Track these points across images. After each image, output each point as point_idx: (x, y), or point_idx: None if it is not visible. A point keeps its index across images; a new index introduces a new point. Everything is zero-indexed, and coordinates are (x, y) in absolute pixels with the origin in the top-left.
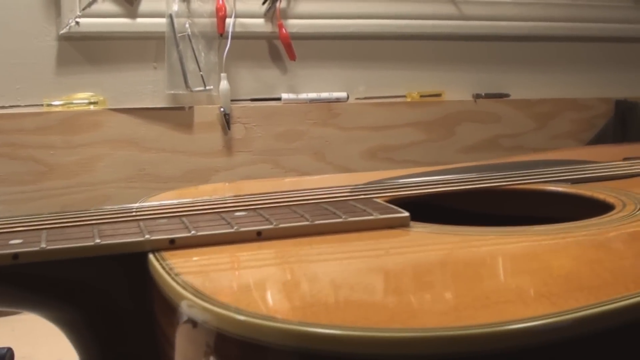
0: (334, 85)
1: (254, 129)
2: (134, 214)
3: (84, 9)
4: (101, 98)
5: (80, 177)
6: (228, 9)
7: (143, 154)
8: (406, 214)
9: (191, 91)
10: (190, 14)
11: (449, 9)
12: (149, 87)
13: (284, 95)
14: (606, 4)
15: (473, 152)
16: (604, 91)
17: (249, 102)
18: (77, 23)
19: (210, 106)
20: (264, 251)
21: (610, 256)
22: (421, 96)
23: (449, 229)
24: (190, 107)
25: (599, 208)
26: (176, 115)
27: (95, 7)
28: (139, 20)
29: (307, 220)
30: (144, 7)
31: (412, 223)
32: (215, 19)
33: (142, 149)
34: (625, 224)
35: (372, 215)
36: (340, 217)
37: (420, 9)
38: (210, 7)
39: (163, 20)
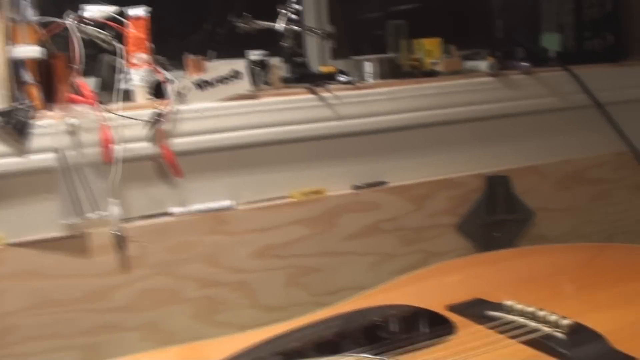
0: (220, 194)
1: (148, 245)
2: None
3: None
4: (1, 234)
5: None
6: (114, 136)
7: (45, 282)
8: None
9: (84, 218)
10: (78, 145)
11: (325, 112)
12: (44, 217)
13: (174, 209)
14: (470, 88)
15: (355, 239)
16: (475, 167)
17: (141, 219)
18: None
19: (104, 230)
20: None
21: None
22: (303, 195)
23: None
24: (86, 233)
25: None
26: (72, 242)
27: None
28: (30, 156)
29: None
30: (33, 143)
31: None
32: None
33: (44, 277)
34: None
35: None
36: None
37: (297, 115)
38: (97, 136)
39: (53, 155)
